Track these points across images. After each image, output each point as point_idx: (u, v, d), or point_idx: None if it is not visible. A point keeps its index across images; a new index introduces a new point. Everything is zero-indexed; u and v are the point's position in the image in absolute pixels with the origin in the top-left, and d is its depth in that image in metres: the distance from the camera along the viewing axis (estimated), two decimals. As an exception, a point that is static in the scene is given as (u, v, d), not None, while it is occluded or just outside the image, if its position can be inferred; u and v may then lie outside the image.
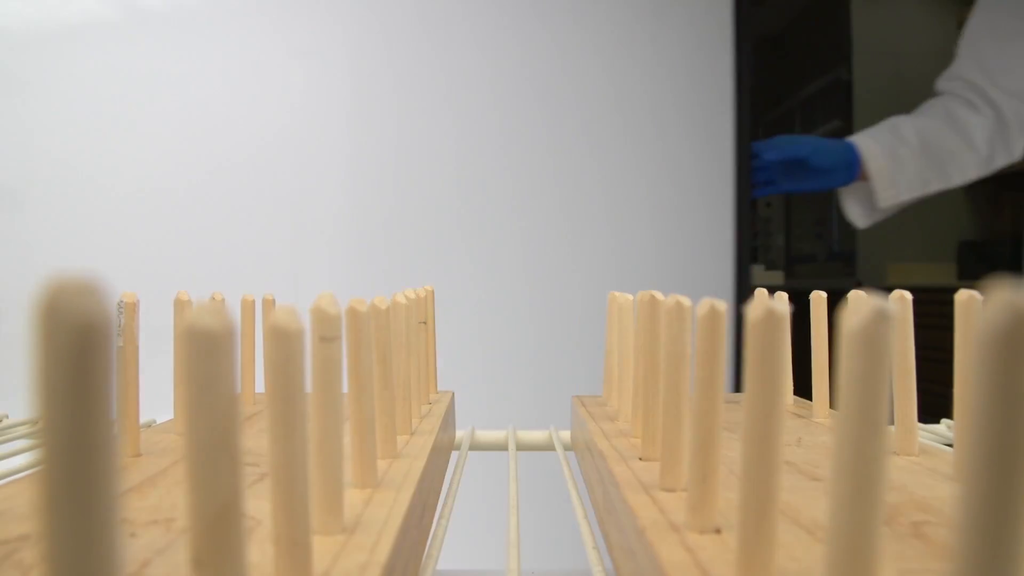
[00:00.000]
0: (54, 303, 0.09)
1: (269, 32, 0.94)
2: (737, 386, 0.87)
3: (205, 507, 0.12)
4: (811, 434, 0.31)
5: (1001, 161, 1.05)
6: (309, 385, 0.17)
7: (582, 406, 0.39)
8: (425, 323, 0.38)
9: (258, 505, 0.21)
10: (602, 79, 1.02)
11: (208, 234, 0.92)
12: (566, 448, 0.41)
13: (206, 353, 0.12)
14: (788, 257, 3.16)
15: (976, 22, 1.10)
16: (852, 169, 1.04)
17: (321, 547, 0.18)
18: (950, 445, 0.37)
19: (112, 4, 0.86)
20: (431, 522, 0.28)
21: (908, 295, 0.28)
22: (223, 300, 0.30)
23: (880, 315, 0.13)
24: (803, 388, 0.39)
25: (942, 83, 1.13)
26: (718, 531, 0.19)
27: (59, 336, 0.09)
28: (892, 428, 0.28)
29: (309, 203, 0.94)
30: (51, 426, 0.09)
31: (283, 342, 0.15)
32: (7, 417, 0.43)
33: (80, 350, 0.09)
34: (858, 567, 0.13)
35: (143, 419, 0.40)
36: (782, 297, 0.35)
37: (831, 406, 0.36)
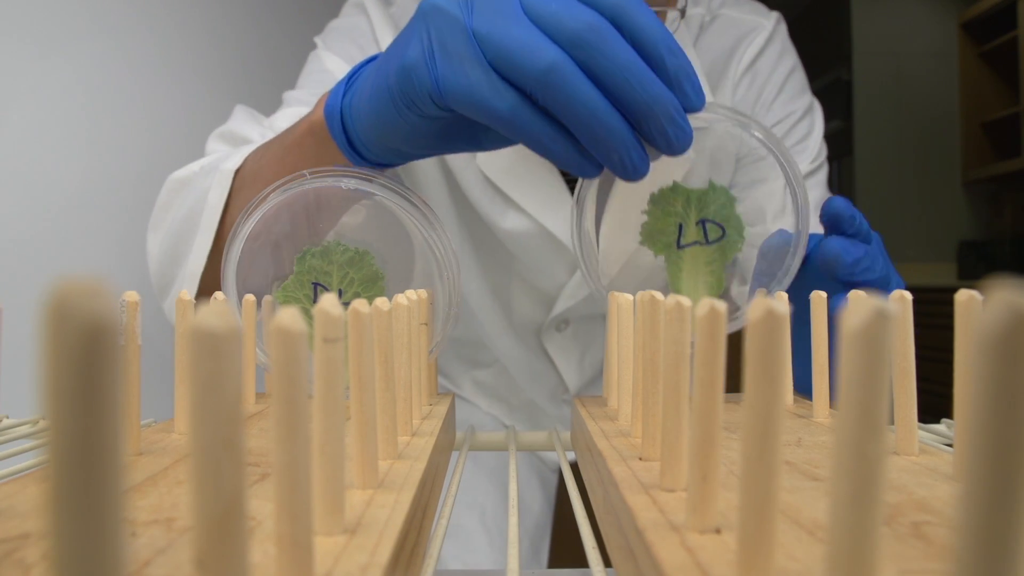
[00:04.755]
0: (61, 305, 0.09)
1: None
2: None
3: (208, 508, 0.12)
4: (811, 434, 0.31)
5: None
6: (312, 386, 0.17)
7: (582, 406, 0.39)
8: (426, 324, 0.38)
9: (259, 505, 0.21)
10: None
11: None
12: (566, 448, 0.42)
13: (210, 354, 0.12)
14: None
15: None
16: None
17: (322, 548, 0.18)
18: (950, 445, 0.37)
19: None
20: (431, 522, 0.28)
21: (908, 295, 0.28)
22: (225, 300, 0.30)
23: (880, 315, 0.13)
24: (807, 388, 0.39)
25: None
26: (718, 531, 0.19)
27: (66, 337, 0.09)
28: (892, 428, 0.28)
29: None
30: (57, 425, 0.09)
31: (286, 343, 0.15)
32: (7, 417, 0.43)
33: (87, 351, 0.09)
34: (858, 567, 0.13)
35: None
36: (782, 297, 0.35)
37: (831, 406, 0.36)
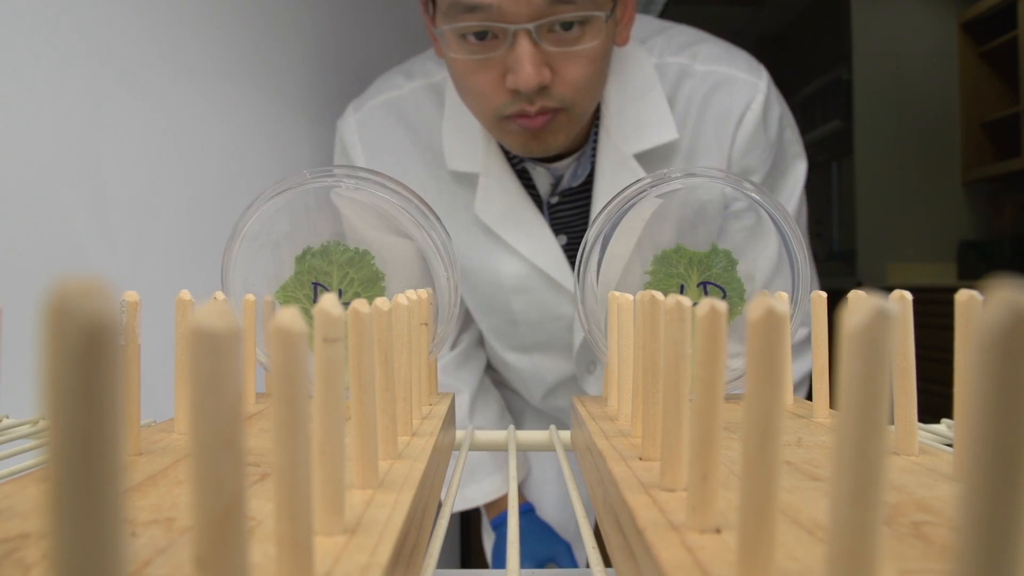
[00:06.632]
0: (61, 305, 0.09)
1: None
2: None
3: (209, 508, 0.12)
4: (811, 434, 0.31)
5: None
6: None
7: (582, 406, 0.39)
8: (426, 324, 0.38)
9: (259, 505, 0.21)
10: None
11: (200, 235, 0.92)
12: (566, 448, 0.41)
13: (211, 354, 0.12)
14: (788, 257, 3.15)
15: None
16: None
17: (323, 548, 0.18)
18: (950, 445, 0.37)
19: None
20: (431, 522, 0.28)
21: (908, 295, 0.28)
22: (225, 300, 0.30)
23: (880, 315, 0.13)
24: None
25: None
26: (718, 531, 0.19)
27: (67, 337, 0.09)
28: (892, 428, 0.28)
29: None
30: (58, 425, 0.09)
31: (286, 343, 0.15)
32: (7, 417, 0.43)
33: (88, 351, 0.09)
34: (858, 567, 0.13)
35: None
36: (783, 297, 0.36)
37: (831, 406, 0.36)
